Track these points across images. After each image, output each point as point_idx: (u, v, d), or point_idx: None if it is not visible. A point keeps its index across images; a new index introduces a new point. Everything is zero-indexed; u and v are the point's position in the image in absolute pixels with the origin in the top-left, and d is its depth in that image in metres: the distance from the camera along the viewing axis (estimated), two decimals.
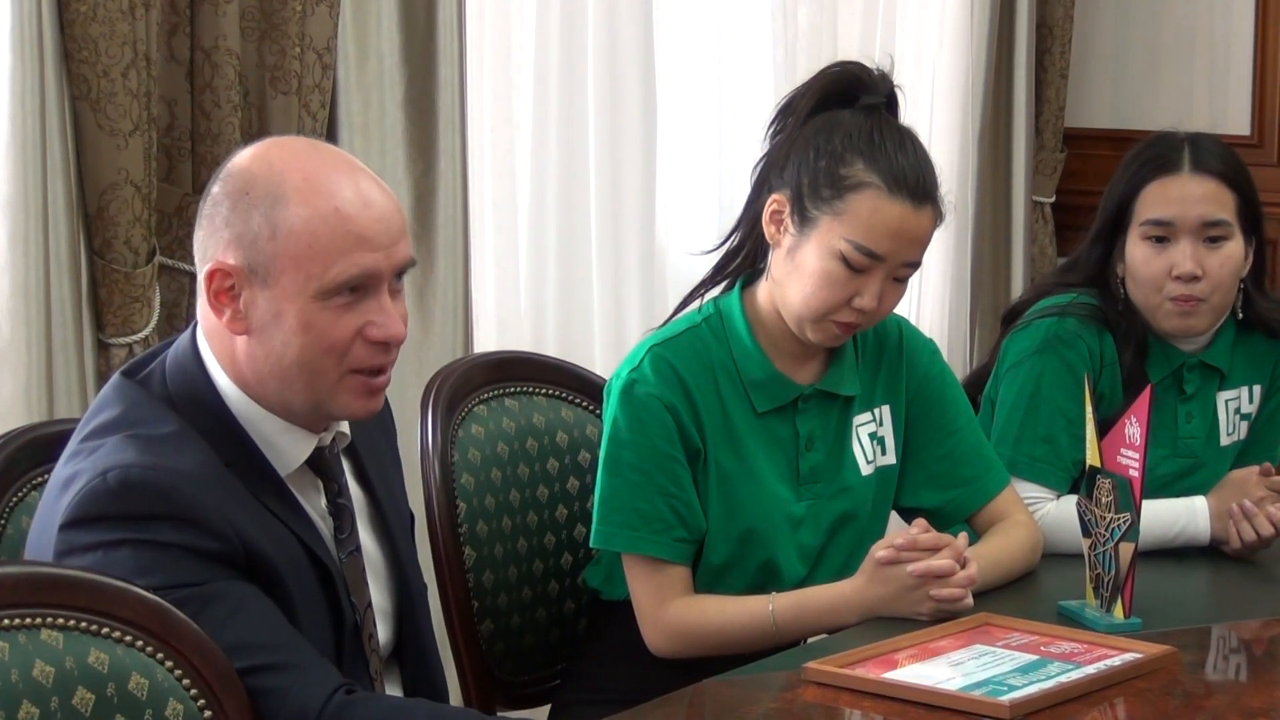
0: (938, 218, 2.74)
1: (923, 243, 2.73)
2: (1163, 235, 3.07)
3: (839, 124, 2.74)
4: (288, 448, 2.26)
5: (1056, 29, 5.24)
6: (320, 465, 2.31)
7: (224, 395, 2.24)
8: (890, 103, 2.79)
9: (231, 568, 2.16)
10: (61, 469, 2.20)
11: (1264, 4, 5.19)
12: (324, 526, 2.31)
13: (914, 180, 2.70)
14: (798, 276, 2.73)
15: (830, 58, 4.42)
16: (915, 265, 2.74)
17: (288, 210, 2.17)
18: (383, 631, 2.38)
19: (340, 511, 2.32)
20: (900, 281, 2.73)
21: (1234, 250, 3.08)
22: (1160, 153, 3.11)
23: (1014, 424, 3.07)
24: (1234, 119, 5.21)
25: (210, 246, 2.22)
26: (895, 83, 2.81)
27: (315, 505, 2.31)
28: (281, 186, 2.18)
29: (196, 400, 2.23)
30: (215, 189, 2.23)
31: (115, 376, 2.28)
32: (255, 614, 2.15)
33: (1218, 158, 3.10)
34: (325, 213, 2.18)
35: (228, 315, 2.21)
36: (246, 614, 2.14)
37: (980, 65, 5.00)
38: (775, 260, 2.77)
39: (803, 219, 2.73)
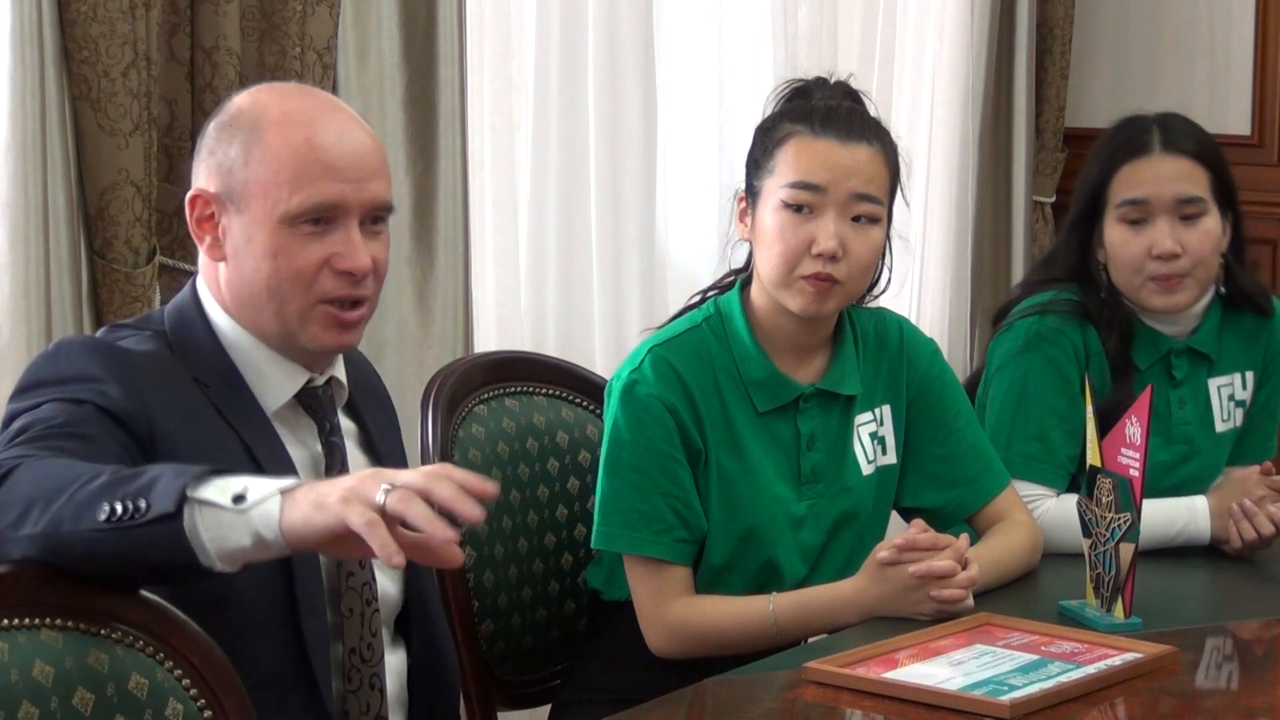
0: (884, 160, 2.76)
1: (862, 174, 2.73)
2: (1139, 216, 3.08)
3: (777, 110, 2.82)
4: (277, 379, 2.31)
5: (1056, 29, 5.23)
6: (311, 403, 2.34)
7: (218, 329, 2.31)
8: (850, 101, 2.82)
9: (125, 432, 2.16)
10: None
11: (1264, 4, 5.18)
12: (309, 469, 2.32)
13: (840, 121, 2.74)
14: (761, 246, 2.76)
15: (830, 58, 4.44)
16: (871, 201, 2.73)
17: (263, 139, 2.27)
18: (390, 589, 2.39)
19: (333, 450, 2.35)
20: (861, 224, 2.73)
21: (1211, 225, 3.09)
22: (1130, 135, 3.13)
23: (1005, 425, 3.06)
24: (1234, 119, 5.21)
25: (195, 177, 2.32)
26: (858, 89, 2.84)
27: (309, 446, 2.34)
28: (262, 119, 2.28)
29: (190, 335, 2.30)
30: (209, 124, 2.33)
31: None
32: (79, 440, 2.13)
33: (1187, 136, 3.12)
34: (295, 142, 2.26)
35: (207, 242, 2.31)
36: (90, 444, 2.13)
37: (980, 65, 4.99)
38: (754, 251, 2.80)
39: (752, 196, 2.79)
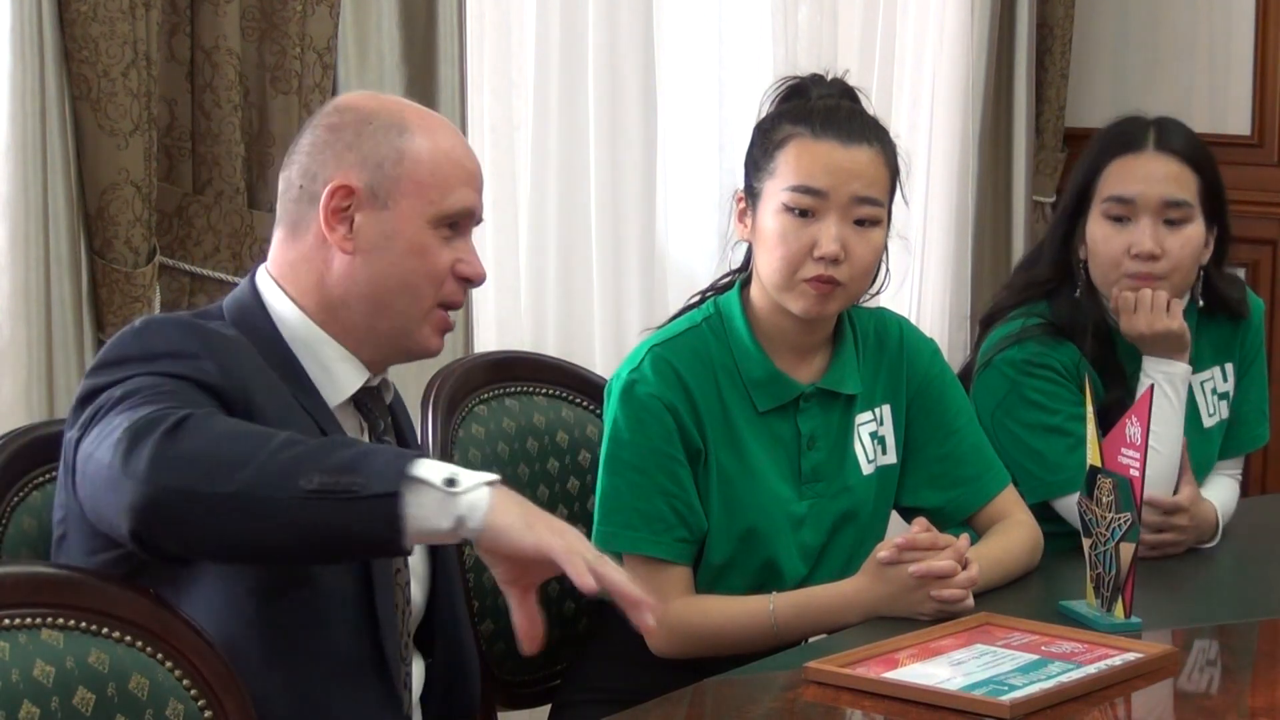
0: (884, 161, 2.75)
1: (863, 176, 2.73)
2: (1123, 214, 3.07)
3: (776, 110, 2.82)
4: (341, 377, 2.33)
5: (1056, 29, 5.23)
6: (365, 405, 2.36)
7: (281, 323, 2.32)
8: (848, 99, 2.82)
9: (227, 409, 2.17)
10: None
11: (1264, 4, 5.18)
12: None
13: (840, 122, 2.74)
14: (763, 248, 2.76)
15: (830, 58, 4.44)
16: (872, 204, 2.73)
17: (414, 139, 2.32)
18: (419, 595, 2.40)
19: None
20: (864, 228, 2.73)
21: (1194, 233, 3.07)
22: (1125, 131, 3.12)
23: (1039, 452, 3.04)
24: (1234, 119, 5.20)
25: (324, 169, 2.31)
26: (853, 85, 2.84)
27: None
28: (404, 120, 2.33)
29: (253, 326, 2.30)
30: (329, 121, 2.34)
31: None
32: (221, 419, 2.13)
33: (1182, 139, 3.10)
34: (445, 147, 2.34)
35: (340, 233, 2.30)
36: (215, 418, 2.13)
37: (980, 65, 4.99)
38: (754, 253, 2.80)
39: (752, 197, 2.79)
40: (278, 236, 2.37)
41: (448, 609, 2.44)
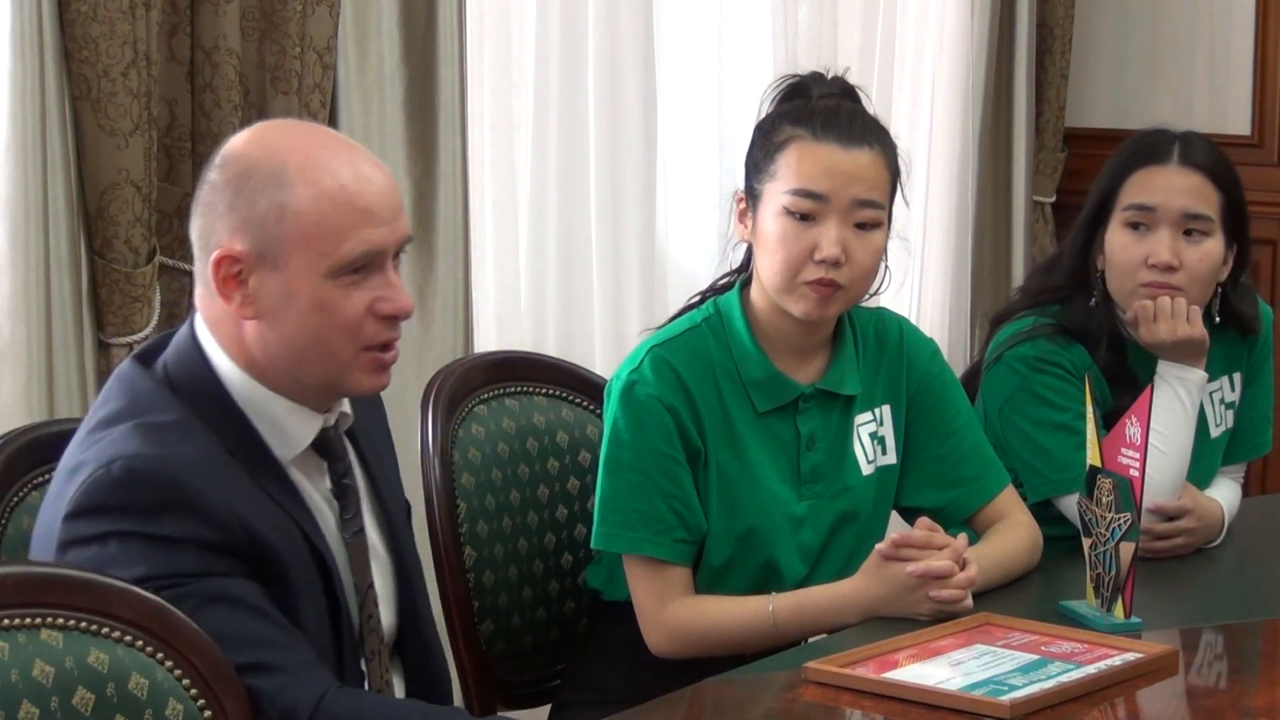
0: (885, 163, 2.75)
1: (864, 180, 2.72)
2: (1143, 221, 3.06)
3: (776, 110, 2.81)
4: (294, 429, 2.26)
5: (1056, 29, 5.23)
6: (325, 446, 2.31)
7: (226, 381, 2.24)
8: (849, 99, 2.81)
9: (235, 560, 2.16)
10: (69, 458, 2.21)
11: (1264, 4, 5.18)
12: (327, 511, 2.31)
13: (841, 125, 2.73)
14: (763, 251, 2.76)
15: (830, 58, 4.44)
16: (873, 207, 2.73)
17: (293, 191, 2.18)
18: (386, 616, 2.38)
19: (345, 492, 2.33)
20: (865, 230, 2.73)
21: (1213, 248, 3.06)
22: (1150, 143, 3.11)
23: (1046, 451, 3.02)
24: (1234, 119, 5.20)
25: (214, 233, 2.22)
26: (853, 83, 2.84)
27: (319, 488, 2.31)
28: (284, 168, 2.19)
29: (198, 388, 2.23)
30: (213, 175, 2.23)
31: (125, 362, 2.29)
32: (255, 613, 2.15)
33: (1207, 155, 3.09)
34: (331, 190, 2.19)
35: (237, 301, 2.21)
36: (246, 612, 2.14)
37: (980, 65, 5.00)
38: (755, 254, 2.80)
39: (753, 198, 2.78)
40: (197, 291, 2.28)
41: (413, 626, 2.42)
